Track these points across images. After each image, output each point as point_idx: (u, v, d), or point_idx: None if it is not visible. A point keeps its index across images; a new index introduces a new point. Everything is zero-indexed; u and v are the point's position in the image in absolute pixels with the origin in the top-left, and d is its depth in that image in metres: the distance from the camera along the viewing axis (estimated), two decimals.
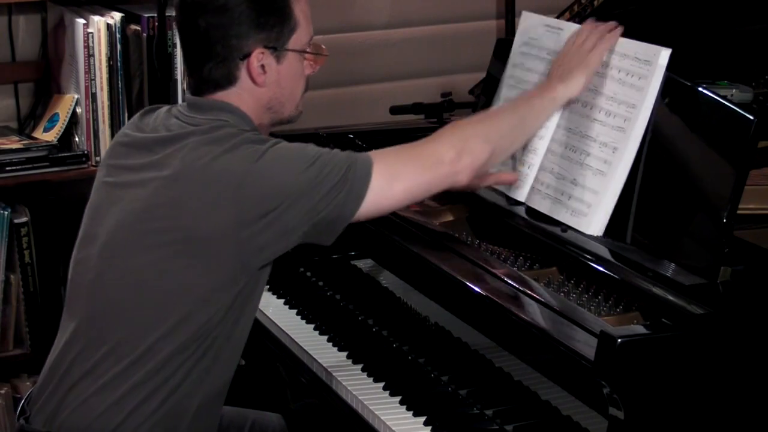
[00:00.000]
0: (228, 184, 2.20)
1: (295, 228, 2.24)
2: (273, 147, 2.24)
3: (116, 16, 3.40)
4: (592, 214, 2.44)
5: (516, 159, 2.60)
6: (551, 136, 2.54)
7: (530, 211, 2.58)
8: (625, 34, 2.53)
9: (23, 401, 2.38)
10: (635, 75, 2.42)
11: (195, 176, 2.22)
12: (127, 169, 2.33)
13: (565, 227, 2.47)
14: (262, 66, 2.31)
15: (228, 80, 2.32)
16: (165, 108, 2.41)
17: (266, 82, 2.33)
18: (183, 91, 3.45)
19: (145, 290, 2.24)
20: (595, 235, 2.43)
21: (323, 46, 2.43)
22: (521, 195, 2.59)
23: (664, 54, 2.40)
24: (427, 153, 2.34)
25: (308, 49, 2.39)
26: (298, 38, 2.36)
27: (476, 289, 2.35)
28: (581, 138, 2.48)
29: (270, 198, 2.20)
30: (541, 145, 2.55)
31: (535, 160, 2.56)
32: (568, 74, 2.48)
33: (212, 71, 2.32)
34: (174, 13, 2.40)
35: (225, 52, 2.30)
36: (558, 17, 3.11)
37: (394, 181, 2.29)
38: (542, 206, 2.53)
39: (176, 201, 2.22)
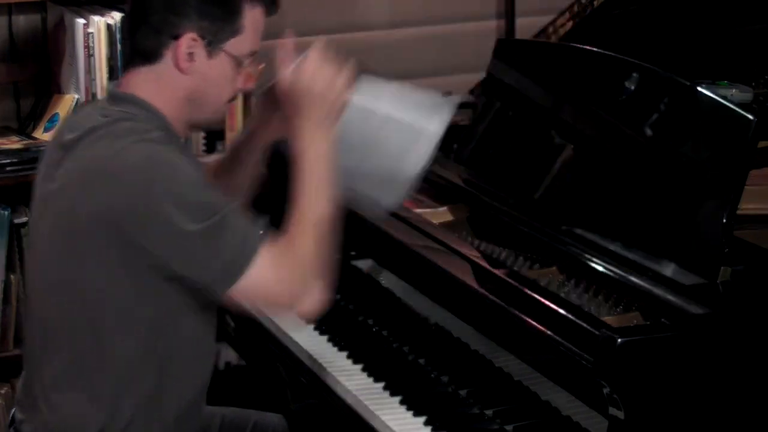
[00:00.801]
0: (114, 188, 2.15)
1: (159, 266, 2.16)
2: (174, 173, 2.16)
3: (116, 16, 3.40)
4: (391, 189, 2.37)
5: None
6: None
7: (530, 211, 2.58)
8: (625, 34, 2.53)
9: (13, 410, 2.39)
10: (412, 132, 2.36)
11: (85, 177, 2.19)
12: (42, 178, 2.32)
13: None
14: (191, 54, 2.25)
15: (153, 54, 2.26)
16: (90, 105, 2.37)
17: (190, 71, 2.26)
18: None
19: (66, 301, 2.23)
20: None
21: (261, 67, 2.36)
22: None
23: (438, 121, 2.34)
24: (298, 284, 2.22)
25: (245, 62, 2.32)
26: (238, 44, 2.29)
27: (476, 289, 2.35)
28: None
29: (144, 223, 2.13)
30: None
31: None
32: (325, 114, 2.35)
33: (142, 39, 2.26)
34: None
35: (159, 24, 2.24)
36: (558, 17, 3.12)
37: (265, 284, 2.19)
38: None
39: (70, 202, 2.19)
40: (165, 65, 2.26)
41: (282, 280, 2.19)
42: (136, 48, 2.29)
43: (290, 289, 2.21)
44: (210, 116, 2.36)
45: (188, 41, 2.24)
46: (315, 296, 2.23)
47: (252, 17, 2.32)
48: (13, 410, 2.41)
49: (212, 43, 2.26)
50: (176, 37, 2.25)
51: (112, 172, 2.16)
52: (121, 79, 2.35)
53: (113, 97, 2.32)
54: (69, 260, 2.22)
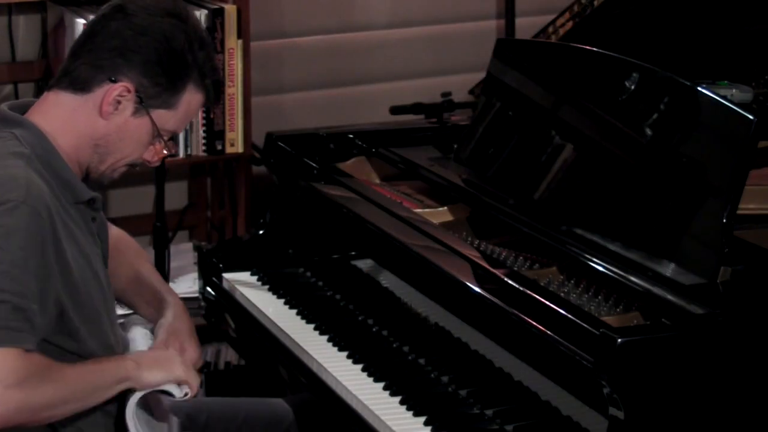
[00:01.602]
0: None
1: None
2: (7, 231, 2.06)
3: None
4: None
5: None
6: None
7: (530, 211, 2.58)
8: (625, 34, 2.53)
9: None
10: None
11: None
12: None
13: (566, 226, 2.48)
14: (118, 102, 2.23)
15: (84, 86, 2.22)
16: None
17: (109, 118, 2.23)
18: None
19: None
20: None
21: (174, 149, 2.34)
22: None
23: None
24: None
25: (163, 136, 2.28)
26: (166, 117, 2.27)
27: (476, 289, 2.35)
28: None
29: None
30: None
31: None
32: (154, 365, 2.29)
33: (81, 67, 2.23)
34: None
35: (104, 61, 2.22)
36: (558, 17, 3.12)
37: None
38: None
39: None
40: (88, 101, 2.24)
41: (2, 386, 2.02)
42: (70, 72, 2.25)
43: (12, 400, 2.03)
44: (104, 171, 2.30)
45: (122, 89, 2.22)
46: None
47: (190, 99, 2.29)
48: None
49: (143, 103, 2.24)
50: (113, 81, 2.22)
51: None
52: (39, 99, 2.29)
53: (5, 120, 2.24)
54: None
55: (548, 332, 2.15)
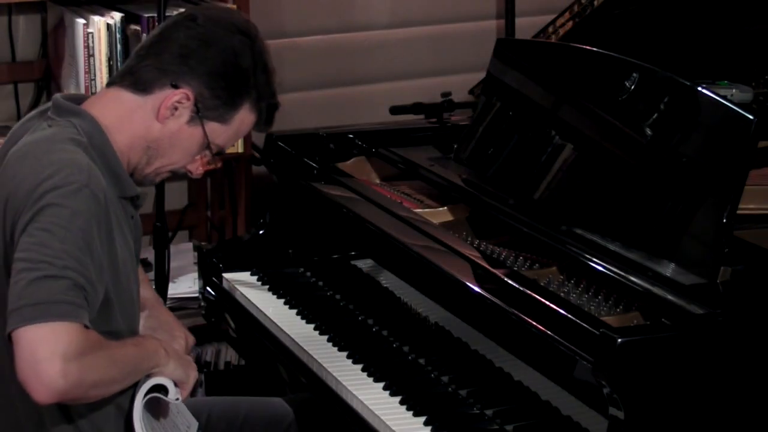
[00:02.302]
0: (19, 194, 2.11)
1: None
2: (65, 210, 2.08)
3: (116, 16, 3.40)
4: None
5: None
6: None
7: (530, 211, 2.58)
8: (625, 34, 2.53)
9: None
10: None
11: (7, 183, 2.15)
12: None
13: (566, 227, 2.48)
14: (176, 108, 2.25)
15: (146, 87, 2.25)
16: (40, 110, 2.32)
17: (165, 122, 2.25)
18: None
19: None
20: None
21: (219, 163, 2.34)
22: None
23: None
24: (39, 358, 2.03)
25: (212, 148, 2.30)
26: (218, 131, 2.29)
27: (476, 289, 2.35)
28: None
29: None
30: None
31: None
32: (178, 360, 2.29)
33: (145, 68, 2.25)
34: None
35: (168, 66, 2.24)
36: (558, 17, 3.12)
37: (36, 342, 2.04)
38: None
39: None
40: (147, 103, 2.25)
41: (63, 359, 2.01)
42: (133, 72, 2.27)
43: (58, 372, 2.01)
44: (149, 173, 2.32)
45: (182, 96, 2.24)
46: (59, 389, 2.03)
47: (243, 118, 2.31)
48: None
49: (198, 113, 2.26)
50: (175, 86, 2.24)
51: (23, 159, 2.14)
52: (97, 93, 2.32)
53: (56, 108, 2.26)
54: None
55: (548, 332, 2.15)
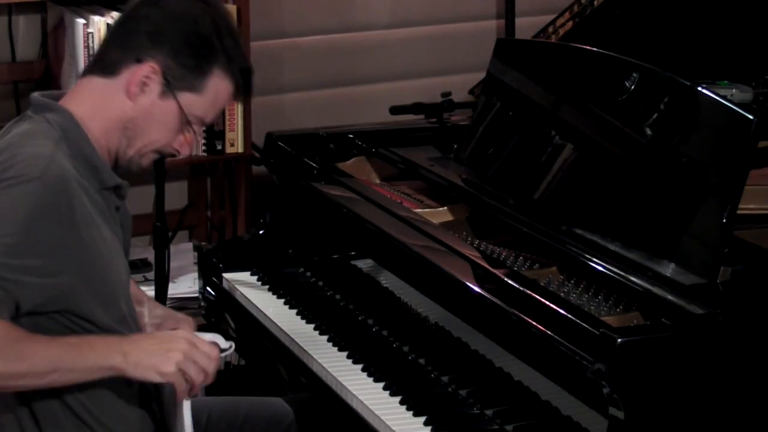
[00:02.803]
0: None
1: None
2: (17, 198, 2.09)
3: (116, 16, 3.40)
4: None
5: None
6: None
7: (530, 211, 2.58)
8: (625, 34, 2.53)
9: None
10: None
11: None
12: None
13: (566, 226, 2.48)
14: (144, 83, 2.24)
15: (112, 68, 2.25)
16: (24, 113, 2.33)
17: (136, 99, 2.24)
18: None
19: None
20: None
21: (200, 137, 2.33)
22: None
23: None
24: None
25: (191, 121, 2.27)
26: (192, 102, 2.26)
27: (476, 289, 2.35)
28: None
29: None
30: None
31: None
32: (138, 354, 2.20)
33: (110, 50, 2.26)
34: None
35: (132, 43, 2.24)
36: (558, 17, 3.12)
37: None
38: None
39: None
40: (116, 84, 2.25)
41: None
42: (100, 56, 2.28)
43: None
44: (132, 156, 2.29)
45: (148, 69, 2.23)
46: None
47: (217, 86, 2.28)
48: None
49: (169, 85, 2.24)
50: (139, 61, 2.23)
51: None
52: (73, 87, 2.32)
53: (33, 104, 2.27)
54: None
55: (548, 332, 2.15)
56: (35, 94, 2.29)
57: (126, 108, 2.25)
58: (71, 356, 2.15)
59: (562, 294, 2.33)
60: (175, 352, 2.20)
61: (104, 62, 2.27)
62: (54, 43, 3.54)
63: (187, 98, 2.26)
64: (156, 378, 2.20)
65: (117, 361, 2.17)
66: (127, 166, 2.31)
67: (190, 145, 2.33)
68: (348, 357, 2.59)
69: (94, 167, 2.24)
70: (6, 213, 2.09)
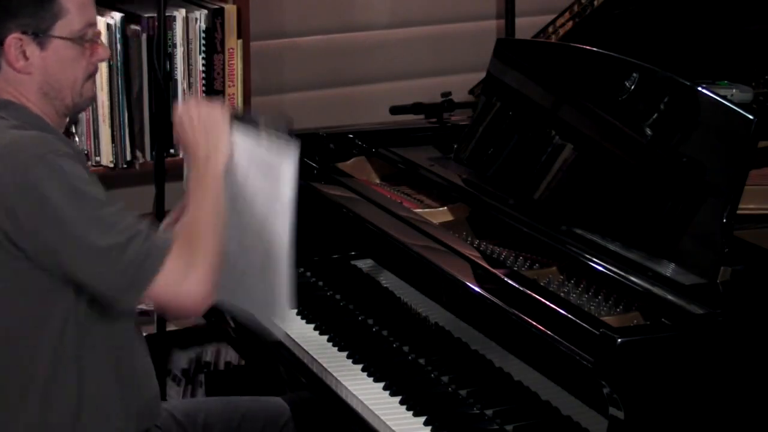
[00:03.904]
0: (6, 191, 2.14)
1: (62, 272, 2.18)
2: (59, 174, 2.15)
3: (116, 16, 3.40)
4: (274, 304, 2.39)
5: None
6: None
7: (530, 211, 2.58)
8: (625, 34, 2.53)
9: None
10: (267, 176, 2.37)
11: None
12: None
13: (566, 227, 2.48)
14: (23, 52, 2.23)
15: None
16: None
17: (29, 69, 2.25)
18: (183, 90, 3.45)
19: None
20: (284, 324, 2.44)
21: (100, 37, 2.32)
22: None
23: (290, 156, 2.34)
24: (181, 283, 2.21)
25: (82, 38, 2.27)
26: (66, 25, 2.25)
27: (476, 289, 2.35)
28: (240, 233, 2.40)
29: (39, 219, 2.14)
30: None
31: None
32: (210, 140, 2.35)
33: None
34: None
35: None
36: (558, 17, 3.12)
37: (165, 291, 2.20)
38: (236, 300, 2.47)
39: None
40: (5, 72, 2.26)
41: (187, 286, 2.20)
42: None
43: (193, 292, 2.21)
44: (76, 99, 2.32)
45: (14, 42, 2.23)
46: (203, 296, 2.22)
47: None
48: None
49: (39, 35, 2.24)
50: (2, 44, 2.23)
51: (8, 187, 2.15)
52: None
53: None
54: None
55: (548, 332, 2.15)
56: None
57: (31, 81, 2.26)
58: (214, 198, 2.29)
59: (562, 294, 2.33)
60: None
61: None
62: None
63: (60, 28, 2.25)
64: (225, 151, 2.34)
65: (211, 168, 2.32)
66: (78, 109, 2.35)
67: (103, 50, 2.33)
68: (348, 357, 2.59)
69: (61, 138, 2.27)
70: (91, 188, 2.17)
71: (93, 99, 2.38)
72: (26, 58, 2.24)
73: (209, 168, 2.33)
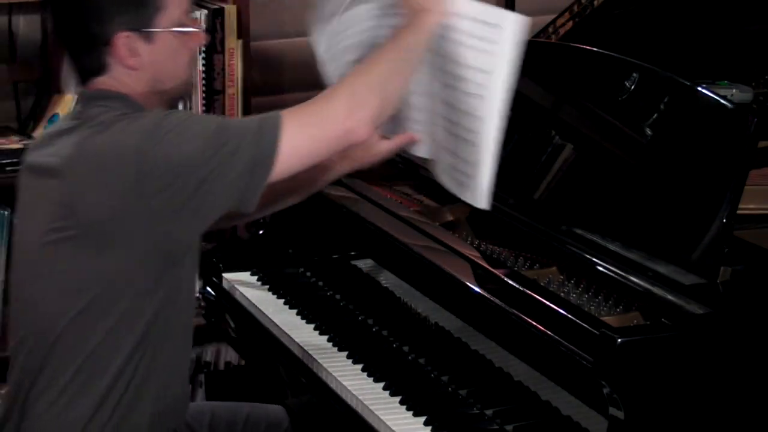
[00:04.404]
0: (118, 165, 2.16)
1: (202, 199, 2.18)
2: (164, 118, 2.20)
3: None
4: (473, 186, 2.39)
5: (403, 120, 2.52)
6: (433, 109, 2.46)
7: (530, 211, 2.58)
8: (625, 34, 2.53)
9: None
10: (486, 40, 2.34)
11: (83, 169, 2.20)
12: (31, 173, 2.34)
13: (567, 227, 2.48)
14: (132, 50, 2.27)
15: (101, 68, 2.28)
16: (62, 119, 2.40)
17: (140, 65, 2.28)
18: None
19: (73, 299, 2.22)
20: (483, 208, 2.39)
21: (198, 21, 2.38)
22: (425, 151, 2.53)
23: (512, 19, 2.35)
24: (322, 112, 2.29)
25: (182, 27, 2.31)
26: (168, 16, 2.29)
27: (476, 289, 2.35)
28: (447, 106, 2.41)
29: (166, 170, 2.15)
30: (422, 102, 2.48)
31: (422, 116, 2.49)
32: (423, 6, 2.38)
33: (85, 61, 2.29)
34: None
35: (89, 41, 2.27)
36: (558, 17, 3.12)
37: (300, 142, 2.24)
38: (453, 188, 2.48)
39: (73, 200, 2.20)
40: (116, 69, 2.28)
41: (311, 134, 2.25)
42: (84, 69, 2.31)
43: (328, 131, 2.26)
44: (180, 87, 2.38)
45: (122, 40, 2.26)
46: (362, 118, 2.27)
47: None
48: None
49: (144, 30, 2.27)
50: (109, 43, 2.26)
51: (132, 161, 2.16)
52: (84, 88, 2.35)
53: (84, 98, 2.31)
54: (68, 260, 2.21)
55: (548, 332, 2.15)
56: (81, 89, 2.33)
57: (141, 76, 2.29)
58: (407, 44, 2.34)
59: (562, 294, 2.33)
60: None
61: (91, 71, 2.29)
62: (54, 43, 3.53)
63: (163, 20, 2.28)
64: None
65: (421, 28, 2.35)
66: (181, 96, 2.50)
67: (203, 34, 2.38)
68: (348, 357, 2.59)
69: None
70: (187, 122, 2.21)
71: (192, 85, 2.40)
72: (136, 54, 2.27)
73: (416, 22, 2.35)
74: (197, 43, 2.37)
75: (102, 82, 2.29)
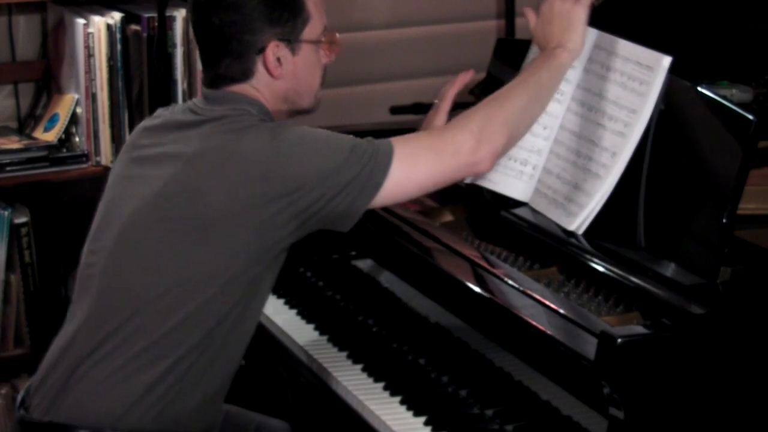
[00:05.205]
0: (247, 165, 2.22)
1: (313, 213, 2.27)
2: (296, 130, 2.28)
3: (116, 16, 3.40)
4: (582, 214, 2.43)
5: (515, 160, 2.58)
6: (555, 137, 2.53)
7: (530, 211, 2.58)
8: (625, 34, 2.53)
9: (22, 392, 2.38)
10: (637, 80, 2.41)
11: (211, 161, 2.25)
12: (143, 161, 2.36)
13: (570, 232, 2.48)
14: (278, 59, 2.34)
15: (245, 75, 2.35)
16: (181, 104, 2.46)
17: (283, 74, 2.36)
18: (183, 91, 3.45)
19: (164, 278, 2.25)
20: (571, 230, 2.43)
21: (337, 35, 2.44)
22: (525, 196, 2.58)
23: (666, 61, 2.39)
24: (446, 143, 2.34)
25: (322, 39, 2.41)
26: (312, 29, 2.38)
27: (476, 289, 2.35)
28: (584, 141, 2.47)
29: (291, 180, 2.22)
30: (545, 146, 2.54)
31: (539, 161, 2.55)
32: (563, 35, 2.48)
33: (228, 67, 2.35)
34: (188, 12, 2.43)
35: (240, 48, 2.33)
36: None
37: (413, 171, 2.31)
38: (540, 206, 2.53)
39: (192, 188, 2.25)
40: (258, 78, 2.35)
41: (428, 165, 2.32)
42: (223, 75, 2.36)
43: (450, 162, 2.33)
44: (310, 103, 2.44)
45: (273, 50, 2.33)
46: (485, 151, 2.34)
47: (311, 0, 2.39)
48: (21, 394, 2.38)
49: (292, 41, 2.35)
50: (261, 51, 2.33)
51: (259, 164, 2.23)
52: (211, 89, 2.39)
53: (212, 98, 2.36)
54: (182, 249, 2.24)
55: (548, 332, 2.15)
56: (207, 91, 2.39)
57: (280, 86, 2.37)
58: (543, 78, 2.45)
59: (562, 294, 2.33)
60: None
61: (232, 77, 2.36)
62: (54, 43, 3.54)
63: (308, 33, 2.38)
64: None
65: (563, 61, 2.47)
66: (308, 112, 2.46)
67: (334, 51, 2.46)
68: (348, 357, 2.59)
69: None
70: (303, 139, 2.29)
71: (318, 104, 2.48)
72: (281, 64, 2.35)
73: (550, 59, 2.45)
74: (330, 58, 2.44)
75: (240, 87, 2.35)
